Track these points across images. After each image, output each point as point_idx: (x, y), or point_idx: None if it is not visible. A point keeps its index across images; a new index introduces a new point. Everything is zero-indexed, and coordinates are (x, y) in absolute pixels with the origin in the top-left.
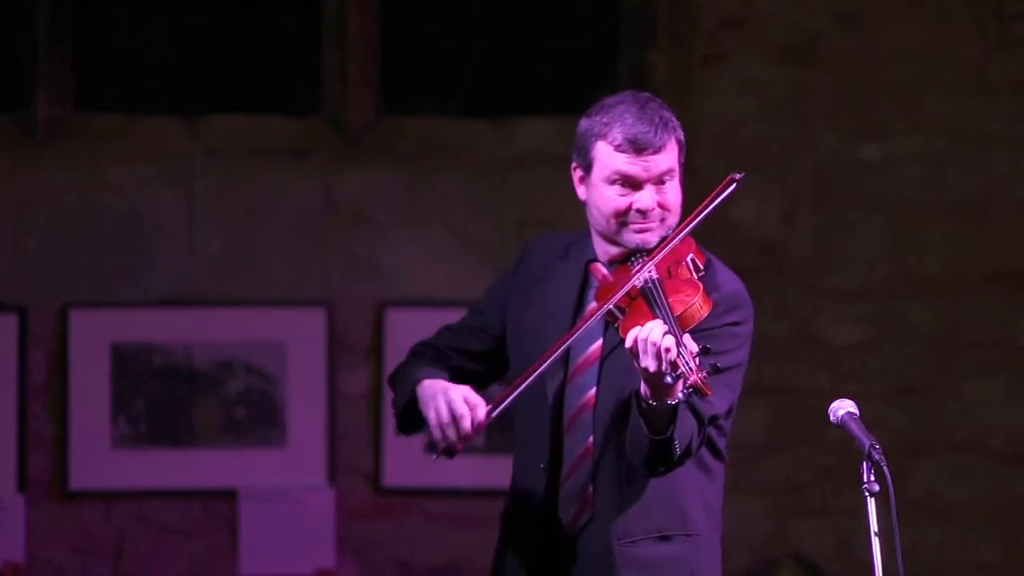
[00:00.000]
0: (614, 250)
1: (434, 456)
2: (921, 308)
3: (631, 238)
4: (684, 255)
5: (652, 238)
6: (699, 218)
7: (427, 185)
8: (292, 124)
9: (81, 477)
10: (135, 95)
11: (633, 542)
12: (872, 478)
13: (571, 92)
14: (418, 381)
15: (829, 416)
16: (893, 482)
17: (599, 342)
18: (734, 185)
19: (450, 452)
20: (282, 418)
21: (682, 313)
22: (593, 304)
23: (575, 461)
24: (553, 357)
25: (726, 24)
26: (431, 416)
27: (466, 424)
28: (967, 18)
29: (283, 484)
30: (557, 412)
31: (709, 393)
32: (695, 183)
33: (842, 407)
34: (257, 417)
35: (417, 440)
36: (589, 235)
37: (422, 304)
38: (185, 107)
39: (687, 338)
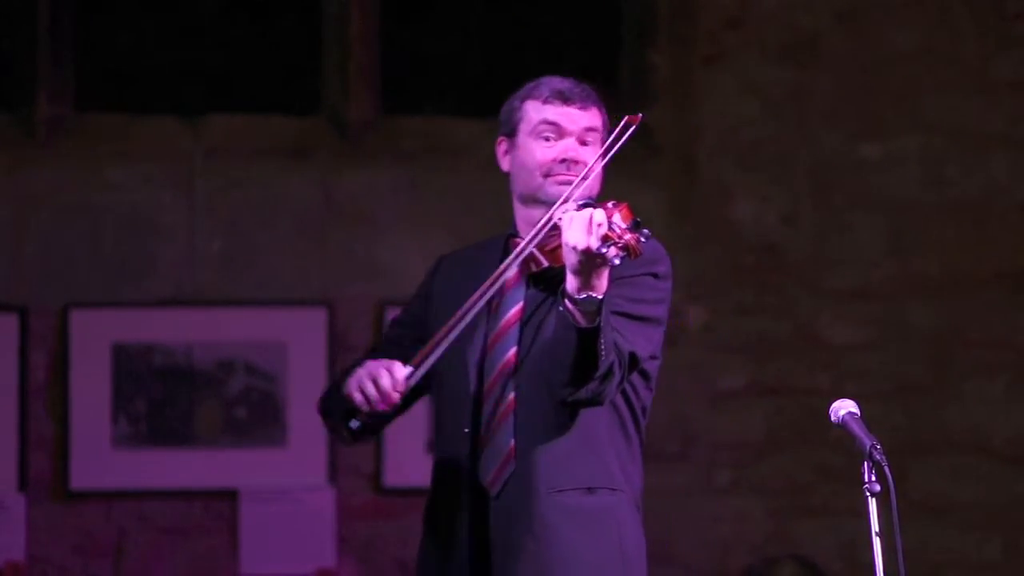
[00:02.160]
0: (537, 214)
1: (355, 424)
2: (921, 308)
3: (553, 190)
4: (605, 203)
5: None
6: (607, 157)
7: (427, 185)
8: (292, 124)
9: (82, 477)
10: (135, 95)
11: (560, 491)
12: (873, 478)
13: None
14: (344, 382)
15: (830, 416)
16: (894, 482)
17: (520, 304)
18: (633, 127)
19: (372, 416)
20: (283, 418)
21: (610, 213)
22: (514, 268)
23: (497, 419)
24: (471, 311)
25: (726, 24)
26: (351, 383)
27: (385, 381)
28: (967, 18)
29: (284, 484)
30: (479, 377)
31: (641, 254)
32: (696, 183)
33: (843, 407)
34: (258, 417)
35: (418, 440)
36: (513, 224)
37: None
38: (185, 107)
39: (616, 216)
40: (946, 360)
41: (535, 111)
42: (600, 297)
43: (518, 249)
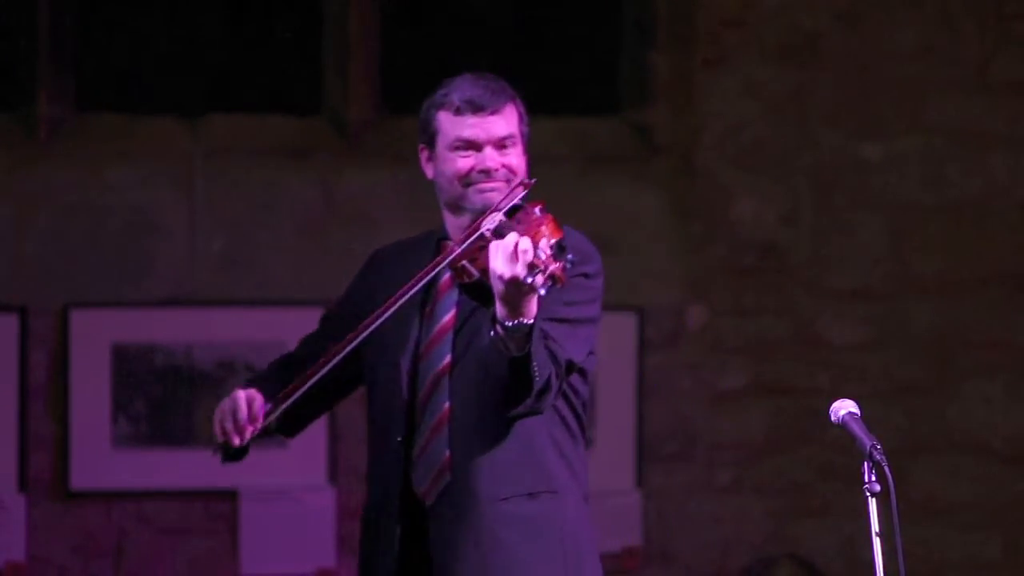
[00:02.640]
0: (465, 221)
1: (213, 451)
2: (921, 308)
3: (477, 199)
4: (532, 208)
5: (497, 197)
6: (498, 212)
7: (427, 185)
8: (293, 124)
9: (82, 477)
10: (136, 95)
11: (504, 499)
12: (873, 478)
13: (572, 92)
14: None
15: (830, 416)
16: (894, 482)
17: (452, 311)
18: (524, 191)
19: (227, 447)
20: None
21: (533, 235)
22: (447, 276)
23: (432, 428)
24: (367, 328)
25: (727, 24)
26: (216, 413)
27: (242, 416)
28: (967, 18)
29: (284, 484)
30: (412, 384)
31: (565, 281)
32: (696, 183)
33: (843, 407)
34: None
35: None
36: (441, 226)
37: None
38: (186, 107)
39: (542, 241)
40: (946, 360)
41: (449, 125)
42: (530, 323)
43: (441, 257)
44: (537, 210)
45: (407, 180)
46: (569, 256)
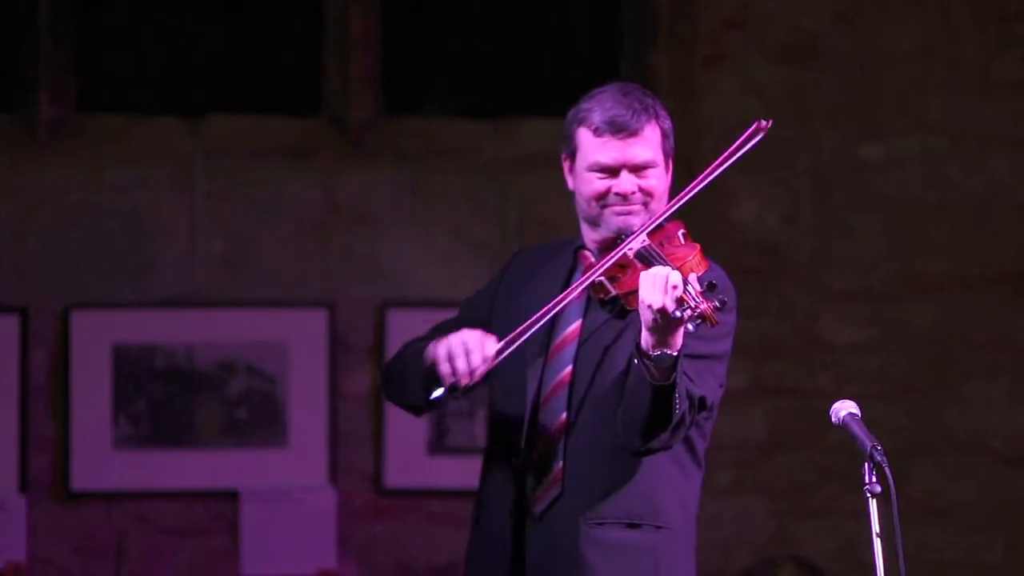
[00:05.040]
0: (602, 235)
1: (439, 394)
2: (922, 309)
3: (613, 220)
4: (675, 232)
5: (634, 220)
6: (721, 169)
7: (429, 185)
8: (294, 124)
9: (82, 478)
10: (136, 96)
11: (600, 523)
12: (874, 479)
13: (573, 93)
14: (423, 348)
15: (831, 417)
16: (895, 483)
17: (578, 322)
18: (761, 134)
19: (455, 388)
20: (283, 419)
21: (681, 267)
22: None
23: (548, 437)
24: (546, 315)
25: (727, 24)
26: (440, 351)
27: (476, 357)
28: (968, 18)
29: (284, 485)
30: (535, 391)
31: (717, 323)
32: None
33: (844, 408)
34: (258, 418)
35: (419, 441)
36: (579, 234)
37: (423, 304)
38: (186, 107)
39: (692, 276)
40: (947, 361)
41: (588, 146)
42: (675, 354)
43: (587, 275)
44: (680, 234)
45: (407, 180)
46: (721, 296)
